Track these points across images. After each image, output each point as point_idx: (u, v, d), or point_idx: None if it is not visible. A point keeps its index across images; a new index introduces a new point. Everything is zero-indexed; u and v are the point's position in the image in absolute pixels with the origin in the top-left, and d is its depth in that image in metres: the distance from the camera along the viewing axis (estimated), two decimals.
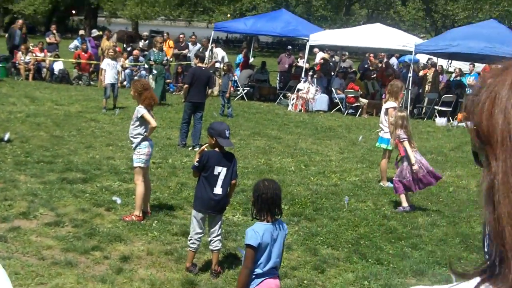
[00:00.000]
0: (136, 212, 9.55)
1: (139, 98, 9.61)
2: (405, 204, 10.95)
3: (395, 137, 10.99)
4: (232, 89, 21.83)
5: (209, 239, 7.83)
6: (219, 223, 7.82)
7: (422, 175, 10.78)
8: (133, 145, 9.63)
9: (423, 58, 29.84)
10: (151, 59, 21.75)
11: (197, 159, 7.59)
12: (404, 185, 10.83)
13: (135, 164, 9.61)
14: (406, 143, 10.76)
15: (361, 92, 23.92)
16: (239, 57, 29.42)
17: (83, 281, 7.34)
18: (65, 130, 15.97)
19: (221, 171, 7.52)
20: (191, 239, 7.77)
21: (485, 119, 1.14)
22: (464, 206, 11.49)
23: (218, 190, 7.55)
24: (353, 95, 23.45)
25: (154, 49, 22.11)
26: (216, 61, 26.39)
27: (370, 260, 8.53)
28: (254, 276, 5.70)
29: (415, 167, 10.69)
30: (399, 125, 10.84)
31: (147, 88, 9.86)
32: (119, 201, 10.23)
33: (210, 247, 7.84)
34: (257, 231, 5.61)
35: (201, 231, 7.75)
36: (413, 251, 8.98)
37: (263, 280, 5.71)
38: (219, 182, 7.54)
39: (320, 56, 30.28)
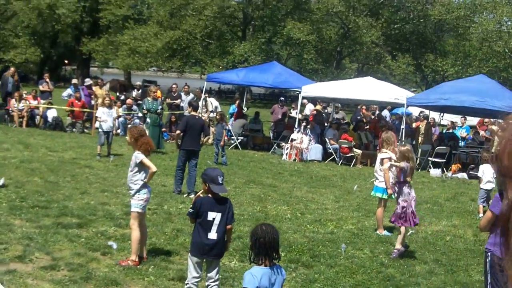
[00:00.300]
0: (132, 257, 9.47)
1: (135, 144, 9.62)
2: (398, 246, 10.93)
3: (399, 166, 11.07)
4: (226, 138, 21.88)
5: (206, 283, 7.77)
6: (216, 268, 7.75)
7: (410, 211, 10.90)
8: (132, 192, 9.60)
9: (415, 111, 30.07)
10: (145, 108, 21.82)
11: (191, 206, 7.60)
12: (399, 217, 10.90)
13: (133, 209, 9.57)
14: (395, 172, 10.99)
15: (355, 143, 24.02)
16: (233, 107, 29.57)
17: None
18: (60, 176, 15.92)
19: (215, 216, 7.49)
20: (188, 284, 7.71)
21: (506, 159, 1.22)
22: (462, 255, 11.46)
23: (212, 235, 7.50)
24: (347, 146, 23.55)
25: (148, 98, 22.17)
26: (211, 111, 26.51)
27: None
28: None
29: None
30: (406, 158, 10.92)
31: (143, 134, 9.89)
32: (115, 246, 10.16)
33: None
34: (255, 275, 5.56)
35: (197, 275, 7.68)
36: None
37: None
38: (214, 227, 7.49)
39: (309, 108, 30.42)
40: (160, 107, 21.95)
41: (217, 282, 7.73)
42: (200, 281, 7.85)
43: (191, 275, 7.67)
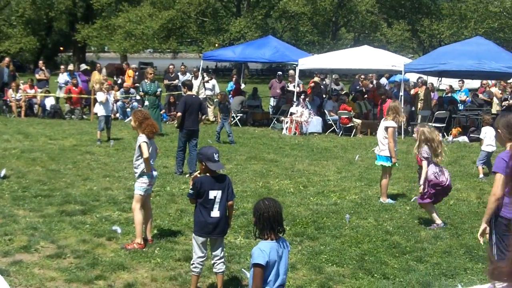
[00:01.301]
0: (137, 240, 9.49)
1: (140, 127, 9.61)
2: (438, 221, 10.89)
3: (419, 152, 10.97)
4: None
5: (212, 262, 7.79)
6: (221, 246, 7.77)
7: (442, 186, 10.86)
8: (136, 175, 9.62)
9: (413, 77, 29.97)
10: (142, 91, 21.70)
11: (191, 187, 7.58)
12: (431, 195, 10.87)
13: (136, 192, 9.59)
14: (424, 163, 10.79)
15: (354, 113, 23.97)
16: (231, 84, 29.54)
17: None
18: (61, 163, 15.92)
19: (216, 194, 7.49)
20: (194, 263, 7.72)
21: None
22: (466, 218, 11.48)
23: (215, 213, 7.51)
24: (346, 116, 23.51)
25: (146, 80, 22.04)
26: (207, 81, 26.61)
27: (375, 275, 8.47)
28: None
29: (421, 189, 10.92)
30: (422, 140, 10.85)
31: (147, 117, 9.87)
32: (119, 230, 10.19)
33: (214, 270, 7.79)
34: (264, 250, 5.56)
35: (202, 255, 7.70)
36: (418, 264, 8.94)
37: None
38: (216, 205, 7.51)
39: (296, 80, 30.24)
40: (159, 89, 21.82)
41: (222, 259, 7.76)
42: (206, 260, 7.87)
43: (196, 255, 7.69)
